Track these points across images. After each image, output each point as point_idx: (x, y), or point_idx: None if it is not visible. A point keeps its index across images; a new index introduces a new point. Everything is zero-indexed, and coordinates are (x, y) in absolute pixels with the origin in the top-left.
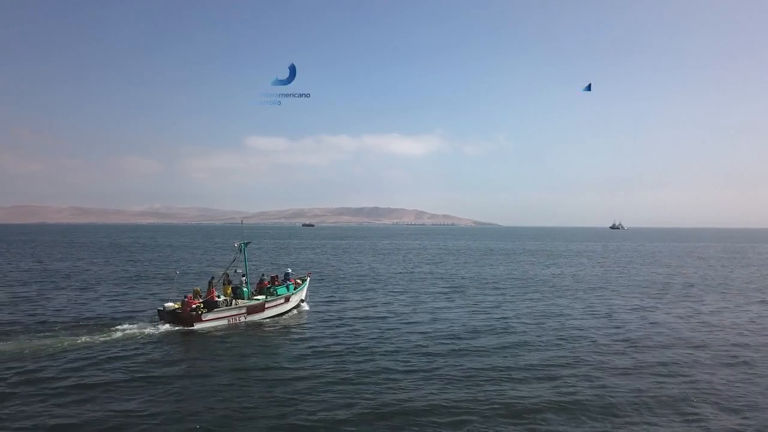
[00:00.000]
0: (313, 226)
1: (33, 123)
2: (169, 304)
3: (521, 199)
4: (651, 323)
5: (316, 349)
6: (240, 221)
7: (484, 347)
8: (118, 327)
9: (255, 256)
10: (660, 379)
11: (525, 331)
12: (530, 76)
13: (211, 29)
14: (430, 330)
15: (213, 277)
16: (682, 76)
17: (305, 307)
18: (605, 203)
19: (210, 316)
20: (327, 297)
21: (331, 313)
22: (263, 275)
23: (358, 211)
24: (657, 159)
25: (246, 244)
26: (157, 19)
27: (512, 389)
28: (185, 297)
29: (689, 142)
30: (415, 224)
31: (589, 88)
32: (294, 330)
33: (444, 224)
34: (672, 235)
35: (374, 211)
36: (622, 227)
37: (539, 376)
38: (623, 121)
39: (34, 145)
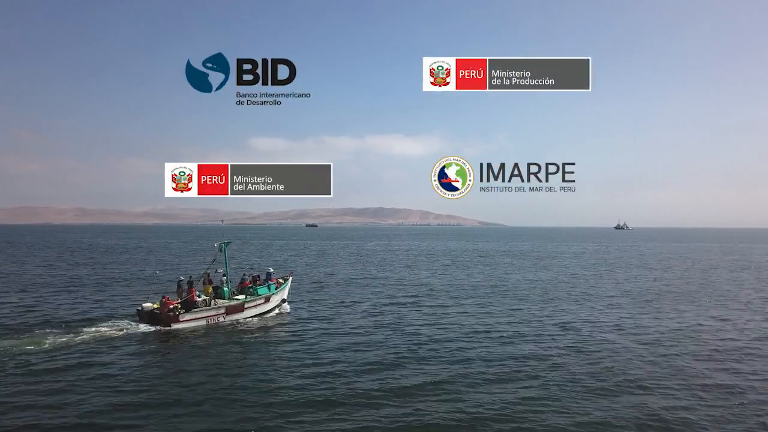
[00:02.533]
0: (316, 226)
1: (34, 124)
2: (147, 305)
3: (525, 199)
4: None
5: (293, 350)
6: (221, 222)
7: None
8: (96, 327)
9: (241, 255)
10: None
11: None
12: None
13: (211, 29)
14: (411, 334)
15: (191, 276)
16: (683, 76)
17: (286, 307)
18: (610, 203)
19: (188, 316)
20: (308, 297)
21: (312, 314)
22: (244, 275)
23: (363, 212)
24: (659, 158)
25: (226, 244)
26: (157, 19)
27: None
28: (163, 297)
29: (690, 142)
30: (420, 225)
31: None
32: (272, 330)
33: (449, 224)
34: (674, 235)
35: (379, 212)
36: (627, 227)
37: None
38: (625, 121)
39: (36, 146)
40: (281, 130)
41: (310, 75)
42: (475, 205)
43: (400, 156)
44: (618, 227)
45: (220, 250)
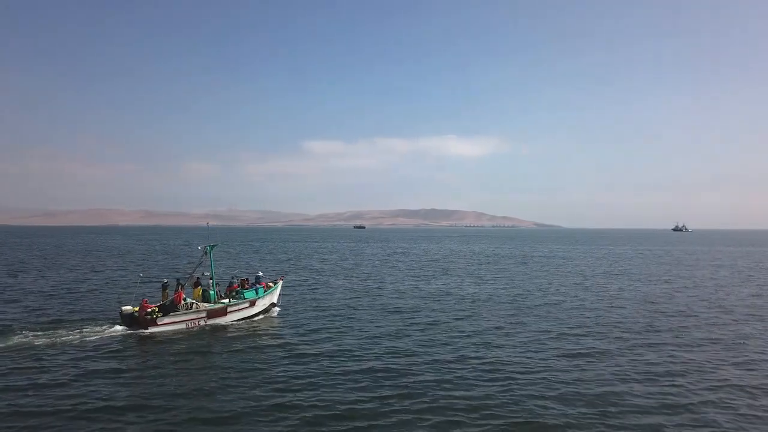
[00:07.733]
0: (364, 228)
1: (100, 131)
2: (127, 307)
3: (582, 200)
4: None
5: (272, 354)
6: (207, 224)
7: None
8: (79, 329)
9: (243, 258)
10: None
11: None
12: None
13: (283, 40)
14: (394, 340)
15: (178, 280)
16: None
17: (275, 311)
18: (674, 204)
19: (166, 320)
20: (301, 301)
21: (299, 319)
22: (233, 278)
23: (415, 213)
24: (725, 159)
25: (212, 247)
26: (212, 25)
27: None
28: (142, 300)
29: (753, 143)
30: (474, 226)
31: None
32: (253, 335)
33: (504, 226)
34: (735, 238)
35: (432, 213)
36: (686, 229)
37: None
38: (695, 121)
39: (103, 151)
40: (337, 134)
41: (366, 78)
42: (531, 206)
43: (459, 157)
44: (676, 229)
45: (206, 253)
